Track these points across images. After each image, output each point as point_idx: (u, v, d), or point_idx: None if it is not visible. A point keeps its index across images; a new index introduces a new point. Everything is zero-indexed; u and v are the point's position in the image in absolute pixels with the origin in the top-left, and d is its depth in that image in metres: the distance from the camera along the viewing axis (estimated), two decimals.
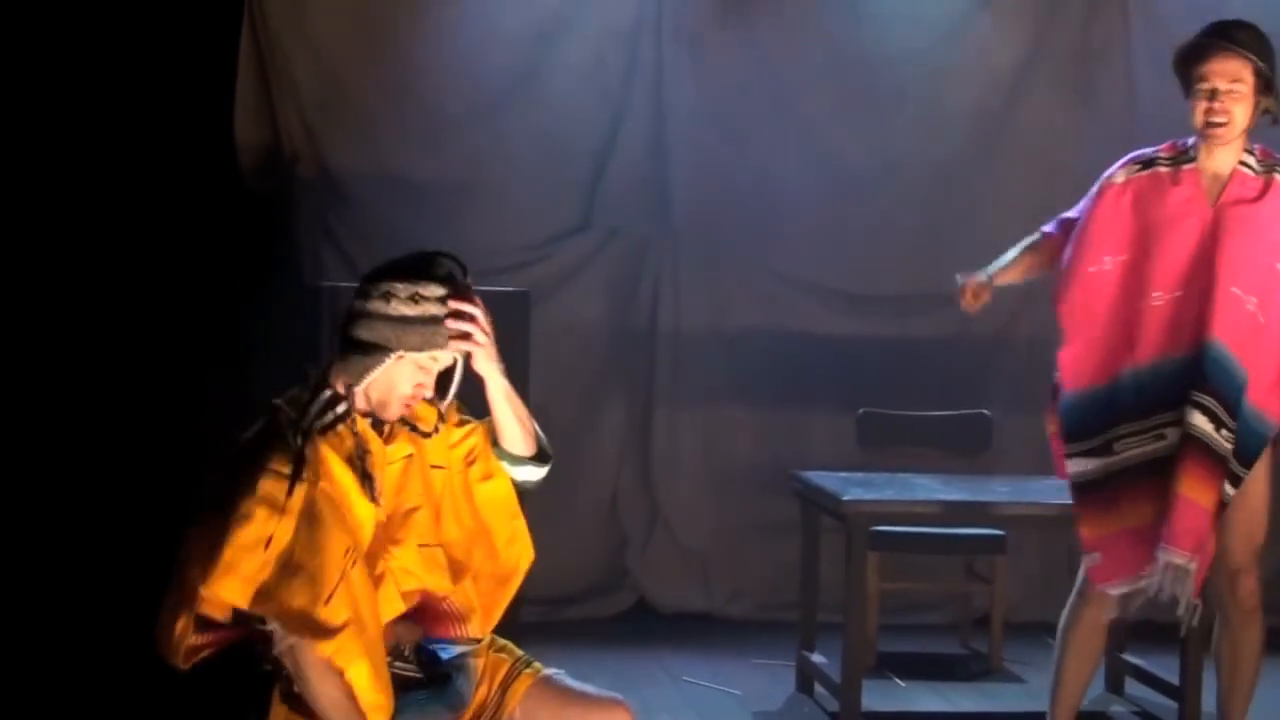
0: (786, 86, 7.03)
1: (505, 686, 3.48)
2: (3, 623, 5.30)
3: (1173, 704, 5.47)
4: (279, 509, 3.19)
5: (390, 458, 3.38)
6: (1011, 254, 4.89)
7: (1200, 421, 4.42)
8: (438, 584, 3.41)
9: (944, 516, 5.45)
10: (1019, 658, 6.35)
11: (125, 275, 6.24)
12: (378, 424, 3.38)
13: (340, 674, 3.16)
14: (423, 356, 3.35)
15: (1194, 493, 4.41)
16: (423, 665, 3.43)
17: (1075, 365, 4.63)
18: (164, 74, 6.35)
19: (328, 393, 3.32)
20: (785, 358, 7.06)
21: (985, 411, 6.59)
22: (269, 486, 3.20)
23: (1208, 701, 5.36)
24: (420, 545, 3.39)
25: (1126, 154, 7.04)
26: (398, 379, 3.34)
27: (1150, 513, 4.49)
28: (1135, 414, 4.52)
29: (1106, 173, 4.67)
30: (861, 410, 6.52)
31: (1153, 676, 5.62)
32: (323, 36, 6.77)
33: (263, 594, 3.17)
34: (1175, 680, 5.43)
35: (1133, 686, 5.88)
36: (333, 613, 3.15)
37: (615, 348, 7.08)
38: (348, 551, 3.21)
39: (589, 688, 3.54)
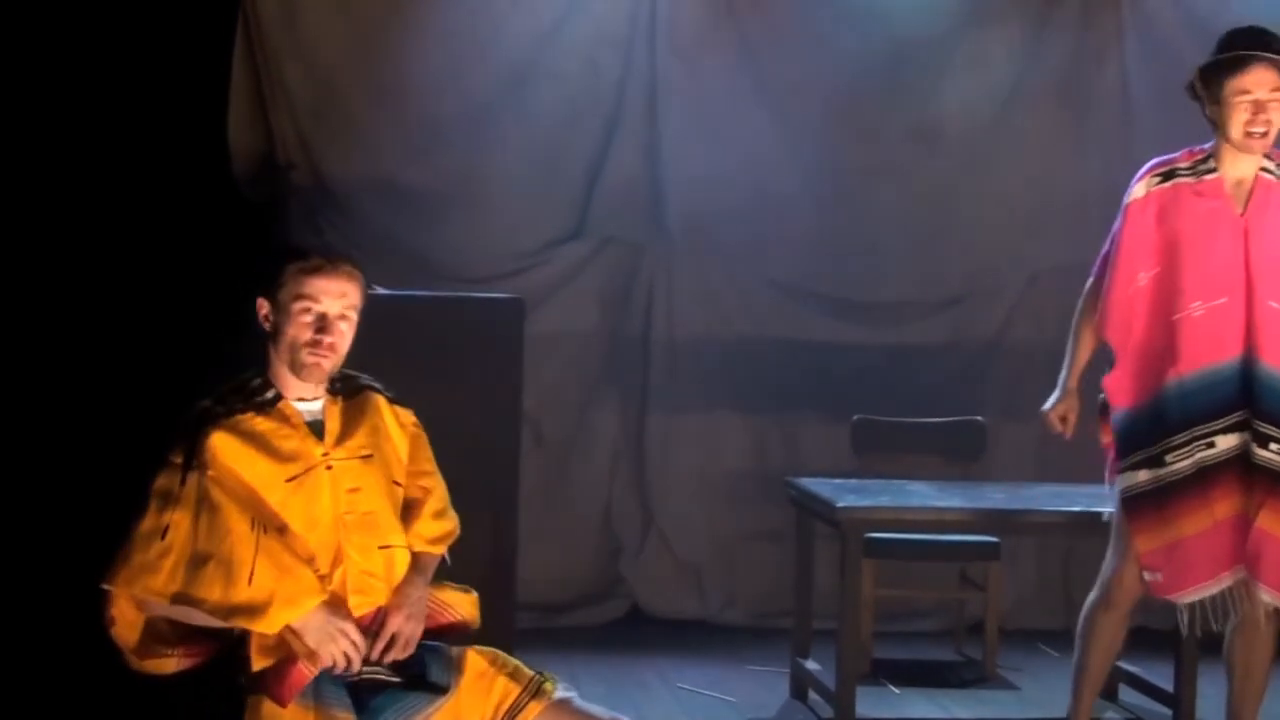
0: (780, 93, 7.03)
1: (514, 715, 3.45)
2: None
3: (1167, 711, 5.47)
4: (173, 499, 3.34)
5: (349, 452, 3.49)
6: (1070, 343, 4.86)
7: (1267, 454, 4.44)
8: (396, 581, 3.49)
9: (938, 523, 5.45)
10: (1013, 664, 6.36)
11: (119, 281, 6.23)
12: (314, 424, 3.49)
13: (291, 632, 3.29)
14: (302, 300, 3.46)
15: (1274, 526, 4.42)
16: (396, 666, 3.44)
17: (1120, 384, 4.64)
18: (158, 81, 6.34)
19: (254, 380, 3.51)
20: (779, 365, 7.07)
21: (979, 418, 6.59)
22: (163, 479, 3.38)
23: (1202, 708, 5.38)
24: (380, 547, 3.46)
25: (1121, 161, 7.06)
26: (285, 330, 3.48)
27: (1206, 519, 4.49)
28: (1183, 424, 4.51)
29: (1128, 190, 4.64)
30: (856, 417, 6.52)
31: (1147, 683, 5.62)
32: (316, 44, 6.77)
33: (181, 597, 3.29)
34: (1170, 687, 5.44)
35: (1127, 693, 5.87)
36: (257, 589, 3.27)
37: (609, 355, 7.08)
38: (253, 524, 3.32)
39: (597, 710, 3.51)
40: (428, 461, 3.66)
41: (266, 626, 3.27)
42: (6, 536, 5.76)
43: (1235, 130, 4.47)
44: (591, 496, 7.07)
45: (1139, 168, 4.70)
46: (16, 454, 6.02)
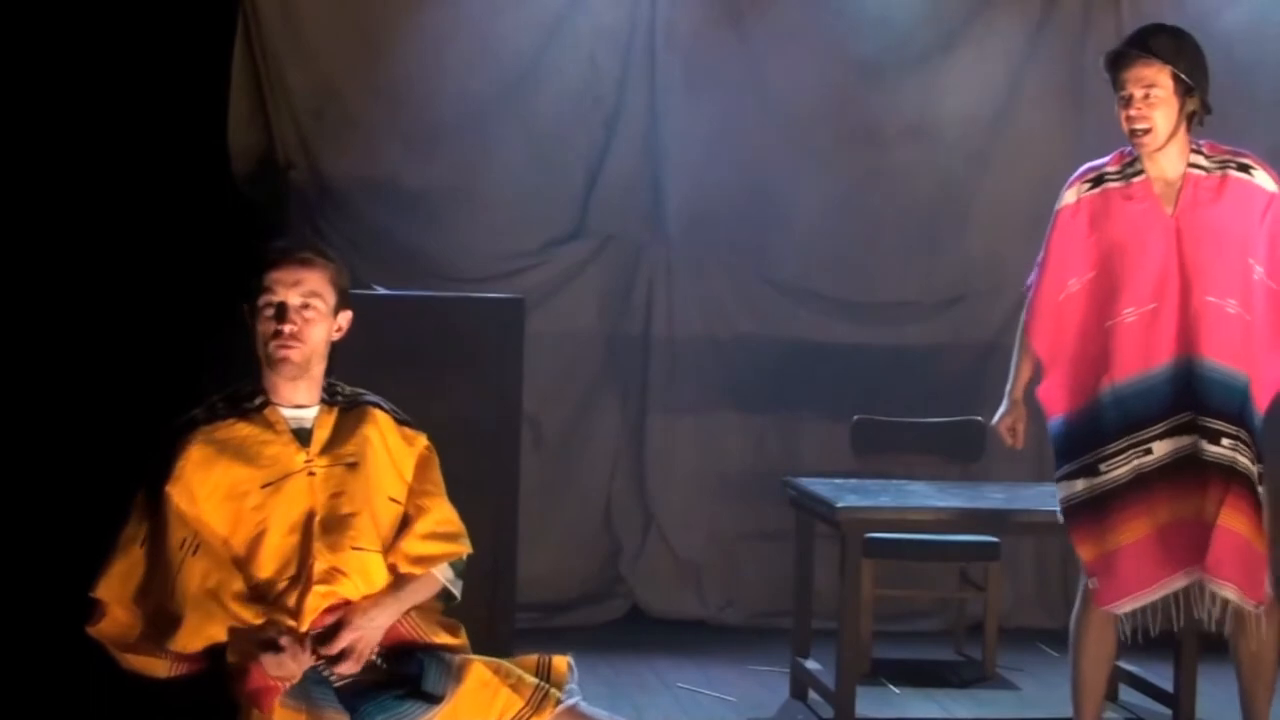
0: (780, 92, 7.03)
1: None
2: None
3: (1167, 711, 5.47)
4: (145, 509, 3.40)
5: (334, 459, 3.47)
6: (1014, 354, 4.87)
7: (1219, 449, 4.43)
8: (368, 588, 3.46)
9: (938, 523, 5.45)
10: (1013, 664, 6.36)
11: (118, 281, 6.23)
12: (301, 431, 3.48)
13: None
14: (264, 294, 3.46)
15: (1234, 523, 4.41)
16: (391, 668, 3.43)
17: (1052, 393, 4.64)
18: (158, 80, 6.34)
19: (246, 387, 3.51)
20: (779, 364, 7.07)
21: (979, 418, 6.57)
22: (142, 489, 3.42)
23: (1202, 708, 5.38)
24: (353, 548, 3.44)
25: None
26: (258, 332, 3.48)
27: (1144, 526, 4.48)
28: (1118, 432, 4.52)
29: (1059, 197, 4.67)
30: (855, 417, 6.52)
31: (1147, 683, 5.62)
32: (316, 43, 6.77)
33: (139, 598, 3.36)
34: (1169, 687, 5.44)
35: (1127, 693, 5.87)
36: (178, 604, 3.29)
37: (609, 354, 7.08)
38: (183, 544, 3.33)
39: (602, 714, 3.48)
40: (433, 484, 3.61)
41: (177, 646, 3.28)
42: (10, 533, 5.76)
43: (1123, 127, 4.55)
44: (591, 496, 7.07)
45: None
46: (15, 455, 6.02)
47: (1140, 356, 4.50)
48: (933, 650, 6.64)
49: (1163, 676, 5.47)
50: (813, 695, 5.78)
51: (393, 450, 3.57)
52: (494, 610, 4.53)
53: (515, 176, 6.88)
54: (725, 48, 7.01)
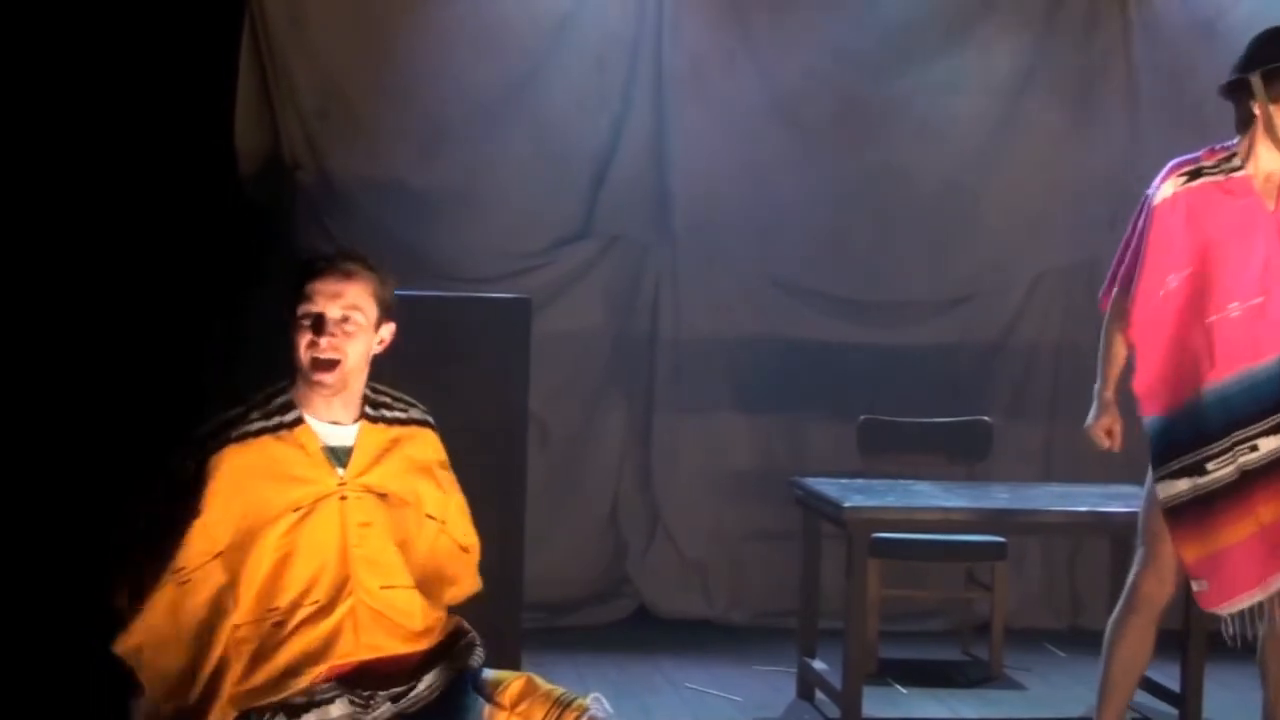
0: (787, 94, 7.03)
1: None
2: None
3: (1174, 711, 5.46)
4: (168, 505, 3.33)
5: (369, 486, 3.39)
6: (1101, 354, 4.70)
7: None
8: (408, 623, 3.38)
9: (944, 523, 5.45)
10: (1020, 664, 6.35)
11: (126, 282, 6.24)
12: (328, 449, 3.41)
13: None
14: (302, 305, 3.35)
15: None
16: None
17: (1152, 390, 4.54)
18: (165, 81, 6.35)
19: (280, 396, 3.40)
20: (785, 365, 7.07)
21: (986, 418, 6.59)
22: (165, 502, 3.35)
23: (1209, 709, 5.37)
24: (382, 587, 3.36)
25: (1127, 161, 7.06)
26: (295, 342, 3.35)
27: (1250, 525, 4.43)
28: (1223, 430, 4.45)
29: (1150, 191, 4.55)
30: (862, 417, 6.52)
31: (1154, 684, 5.61)
32: (323, 44, 6.77)
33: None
34: (1176, 687, 5.43)
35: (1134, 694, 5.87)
36: (142, 622, 3.24)
37: (615, 355, 7.08)
38: (178, 572, 3.24)
39: None
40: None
41: (118, 647, 3.24)
42: (10, 534, 5.77)
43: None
44: (598, 496, 7.07)
45: (1145, 167, 4.68)
46: (20, 454, 6.03)
47: (1246, 352, 4.44)
48: (939, 650, 6.64)
49: (1170, 677, 5.47)
50: (819, 695, 5.78)
51: (439, 464, 3.50)
52: (500, 610, 4.52)
53: (522, 177, 6.88)
54: (731, 49, 7.01)
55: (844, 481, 5.76)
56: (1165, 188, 4.52)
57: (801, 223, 7.04)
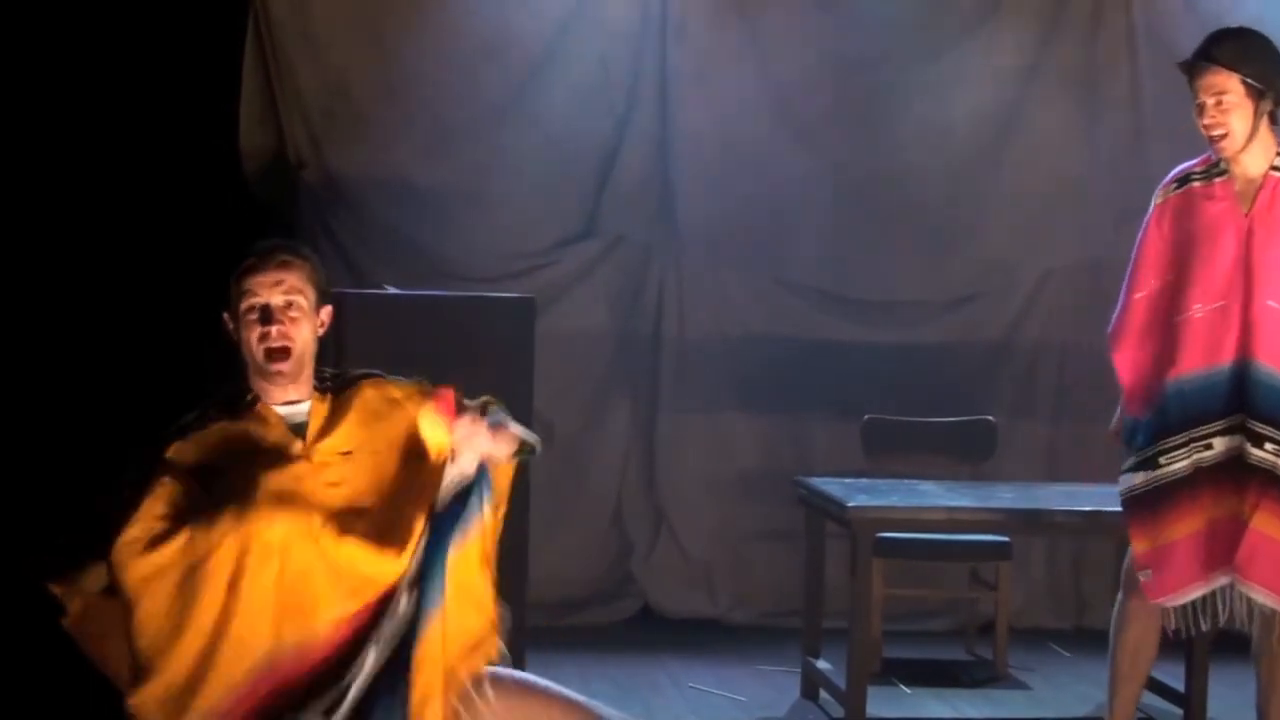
0: (791, 92, 7.03)
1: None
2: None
3: (1179, 711, 5.46)
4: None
5: (330, 450, 3.39)
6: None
7: (1261, 453, 4.43)
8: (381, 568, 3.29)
9: (949, 523, 5.44)
10: (1024, 664, 6.35)
11: (129, 281, 6.24)
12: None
13: None
14: (245, 300, 3.42)
15: (1268, 527, 4.41)
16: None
17: (1134, 394, 4.63)
18: (169, 81, 6.35)
19: (234, 388, 3.45)
20: (789, 364, 7.06)
21: (990, 418, 6.58)
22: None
23: (1213, 708, 5.37)
24: (343, 533, 3.30)
25: (1131, 161, 7.07)
26: (246, 339, 3.43)
27: (1200, 521, 4.48)
28: (1180, 425, 4.50)
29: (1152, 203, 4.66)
30: (866, 416, 6.52)
31: (1158, 683, 5.60)
32: (327, 43, 6.78)
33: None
34: (1181, 686, 5.43)
35: None
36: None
37: (620, 354, 7.08)
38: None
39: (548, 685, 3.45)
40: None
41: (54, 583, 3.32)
42: (11, 536, 5.77)
43: (1203, 134, 4.51)
44: (602, 496, 7.07)
45: (1150, 168, 4.72)
46: (23, 455, 6.03)
47: (1206, 352, 4.48)
48: (944, 650, 6.63)
49: (1174, 676, 5.46)
50: (824, 695, 5.77)
51: (396, 409, 3.49)
52: (505, 610, 4.51)
53: (526, 176, 6.89)
54: (736, 48, 7.01)
55: (848, 481, 5.76)
56: (1158, 195, 4.65)
57: (806, 222, 7.04)
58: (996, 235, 7.09)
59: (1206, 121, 4.48)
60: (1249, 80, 4.46)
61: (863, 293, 7.11)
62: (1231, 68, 4.47)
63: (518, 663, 4.23)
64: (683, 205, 7.04)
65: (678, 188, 7.04)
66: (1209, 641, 5.24)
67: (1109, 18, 7.13)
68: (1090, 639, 6.28)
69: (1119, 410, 4.80)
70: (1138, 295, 4.62)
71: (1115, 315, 4.69)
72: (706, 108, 7.00)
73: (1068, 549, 7.11)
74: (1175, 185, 4.62)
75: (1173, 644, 4.83)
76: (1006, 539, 6.14)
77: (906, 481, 5.82)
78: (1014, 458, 6.82)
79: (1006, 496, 5.57)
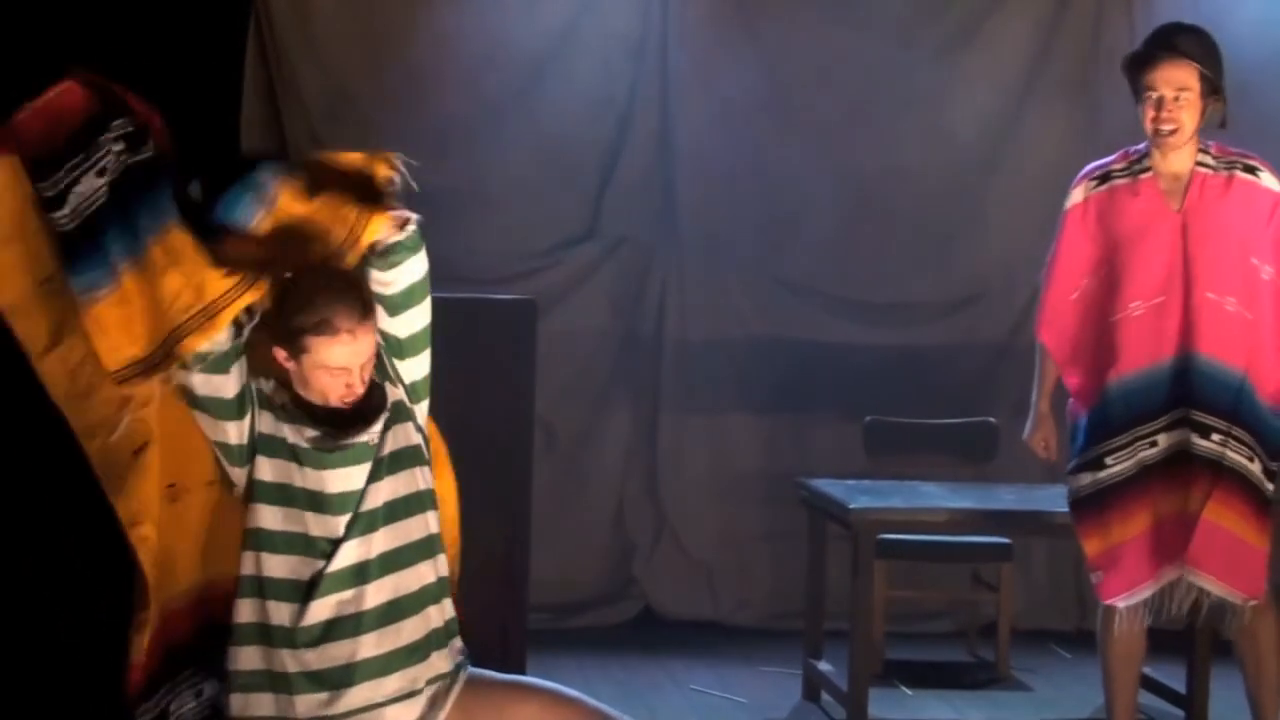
0: (793, 93, 7.04)
1: None
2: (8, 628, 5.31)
3: (1180, 712, 5.46)
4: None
5: None
6: (1037, 369, 4.88)
7: (1207, 444, 4.45)
8: None
9: (950, 524, 5.45)
10: (1026, 666, 6.35)
11: None
12: None
13: None
14: (327, 368, 3.46)
15: (1220, 517, 4.43)
16: None
17: (1080, 394, 4.67)
18: (170, 85, 6.33)
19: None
20: (791, 366, 7.07)
21: (992, 419, 6.58)
22: None
23: (1215, 710, 5.37)
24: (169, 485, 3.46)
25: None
26: (319, 384, 3.47)
27: (1147, 520, 4.50)
28: (1123, 425, 4.53)
29: (1067, 196, 4.69)
30: (868, 418, 6.52)
31: (1160, 685, 5.61)
32: (329, 47, 6.79)
33: None
34: (1182, 688, 5.43)
35: (1139, 694, 5.86)
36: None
37: (621, 356, 7.09)
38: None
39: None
40: None
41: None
42: (12, 536, 5.77)
43: (1147, 126, 4.55)
44: (603, 497, 7.07)
45: None
46: (23, 457, 6.03)
47: (1147, 350, 4.52)
48: (945, 651, 6.64)
49: (1175, 677, 5.46)
50: (825, 696, 5.77)
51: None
52: (506, 612, 4.52)
53: (527, 178, 6.89)
54: (737, 49, 7.01)
55: (850, 482, 5.76)
56: (1077, 193, 4.70)
57: (808, 224, 7.04)
58: (998, 236, 7.09)
59: (1164, 115, 4.50)
60: (1208, 75, 4.48)
61: (865, 294, 7.11)
62: (1195, 61, 4.49)
63: (519, 665, 4.24)
64: (684, 206, 7.04)
65: (679, 189, 7.04)
66: (1210, 643, 5.24)
67: (1110, 18, 7.14)
68: (1092, 641, 6.20)
69: (1033, 417, 4.85)
70: (1073, 296, 4.63)
71: (1042, 313, 4.70)
72: (708, 110, 7.00)
73: (1069, 550, 7.05)
74: (1096, 183, 4.64)
75: (1173, 645, 4.84)
76: (1008, 540, 6.14)
77: (908, 483, 5.83)
78: (1016, 459, 6.78)
79: (1008, 498, 5.57)
